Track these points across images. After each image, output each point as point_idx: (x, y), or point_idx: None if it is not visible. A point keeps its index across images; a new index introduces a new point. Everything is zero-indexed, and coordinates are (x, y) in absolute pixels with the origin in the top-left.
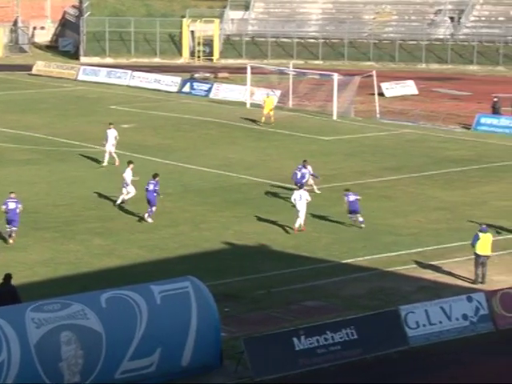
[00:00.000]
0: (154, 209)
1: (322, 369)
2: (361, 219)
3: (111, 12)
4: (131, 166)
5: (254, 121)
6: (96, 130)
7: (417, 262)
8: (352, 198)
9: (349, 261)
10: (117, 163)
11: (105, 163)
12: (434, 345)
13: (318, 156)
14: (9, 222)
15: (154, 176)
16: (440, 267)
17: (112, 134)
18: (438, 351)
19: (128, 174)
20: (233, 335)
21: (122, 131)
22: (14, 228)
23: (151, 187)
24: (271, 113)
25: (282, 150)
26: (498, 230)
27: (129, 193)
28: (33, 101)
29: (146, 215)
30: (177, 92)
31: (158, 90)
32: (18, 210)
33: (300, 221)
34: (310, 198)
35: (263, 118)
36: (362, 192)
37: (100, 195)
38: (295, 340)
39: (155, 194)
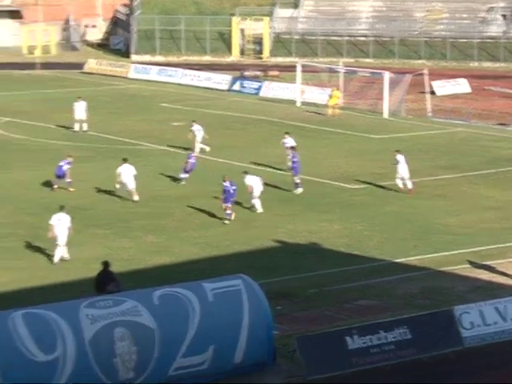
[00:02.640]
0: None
1: (375, 368)
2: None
3: (161, 10)
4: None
5: (318, 113)
6: (148, 128)
7: (471, 262)
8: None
9: (401, 260)
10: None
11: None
12: (488, 346)
13: (369, 154)
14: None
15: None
16: (494, 267)
17: (198, 129)
18: (492, 352)
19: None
20: (285, 333)
21: (172, 129)
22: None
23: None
24: (336, 106)
25: (333, 148)
26: None
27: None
28: (84, 99)
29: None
30: (227, 90)
31: (209, 88)
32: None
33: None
34: None
35: (330, 111)
36: (415, 190)
37: (152, 192)
38: (348, 339)
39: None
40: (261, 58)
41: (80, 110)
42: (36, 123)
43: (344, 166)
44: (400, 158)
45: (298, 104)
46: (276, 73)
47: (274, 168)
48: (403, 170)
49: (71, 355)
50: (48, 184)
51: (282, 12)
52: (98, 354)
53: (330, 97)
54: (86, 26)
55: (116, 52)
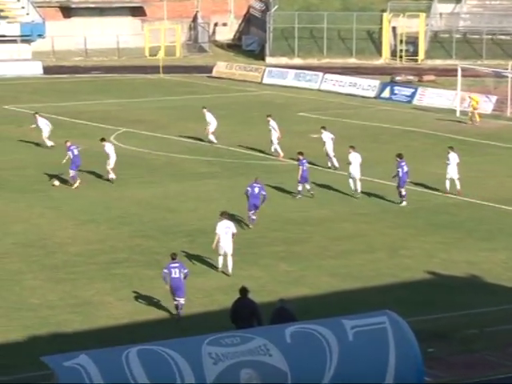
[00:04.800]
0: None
1: None
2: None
3: (301, 6)
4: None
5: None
6: (283, 140)
7: None
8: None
9: None
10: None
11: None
12: None
13: None
14: (174, 291)
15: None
16: None
17: (327, 136)
18: None
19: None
20: (439, 380)
21: (309, 141)
22: (181, 300)
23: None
24: (475, 112)
25: (500, 166)
26: None
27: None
28: (212, 106)
29: None
30: (375, 97)
31: (353, 95)
32: (182, 276)
33: None
34: None
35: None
36: None
37: (285, 214)
38: None
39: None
40: (415, 61)
41: (210, 118)
42: (157, 134)
43: (510, 187)
44: (452, 156)
45: (458, 114)
46: (432, 77)
47: (427, 187)
48: (452, 169)
49: None
50: (168, 205)
51: (442, 7)
52: None
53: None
54: (216, 25)
55: (248, 54)
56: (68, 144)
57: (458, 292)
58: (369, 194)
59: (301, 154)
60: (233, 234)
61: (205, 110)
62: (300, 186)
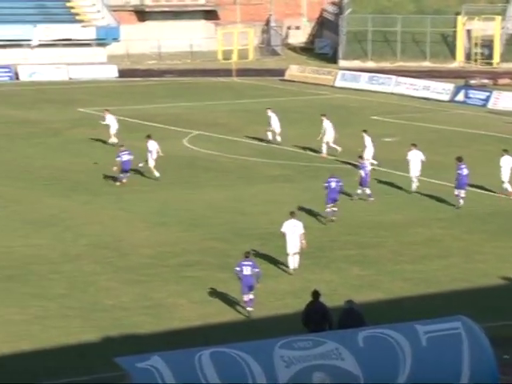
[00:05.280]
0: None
1: None
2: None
3: (375, 9)
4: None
5: None
6: (354, 143)
7: None
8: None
9: None
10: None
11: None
12: None
13: None
14: (245, 288)
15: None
16: None
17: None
18: None
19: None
20: None
21: (382, 145)
22: (251, 296)
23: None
24: None
25: None
26: None
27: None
28: (284, 110)
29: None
30: (449, 101)
31: (427, 99)
32: (254, 275)
33: None
34: None
35: None
36: None
37: (358, 218)
38: None
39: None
40: (490, 64)
41: (275, 120)
42: (230, 137)
43: None
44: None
45: None
46: (508, 81)
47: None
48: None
49: None
50: (241, 208)
51: None
52: None
53: None
54: (289, 28)
55: (321, 57)
56: (121, 149)
57: None
58: (443, 199)
59: (361, 157)
60: (301, 235)
61: (269, 111)
62: (360, 189)
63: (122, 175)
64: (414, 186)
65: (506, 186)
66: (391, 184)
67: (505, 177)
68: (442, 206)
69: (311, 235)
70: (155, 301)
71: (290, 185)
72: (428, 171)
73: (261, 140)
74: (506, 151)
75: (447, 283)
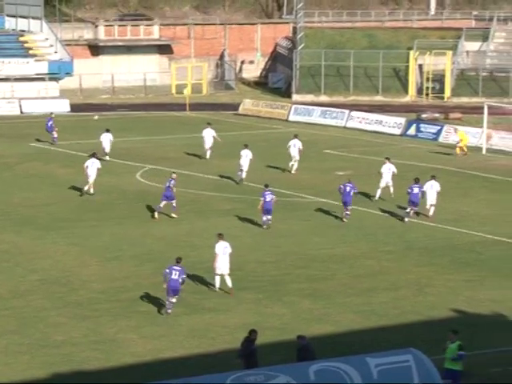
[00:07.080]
0: None
1: None
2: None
3: (328, 44)
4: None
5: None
6: (308, 177)
7: None
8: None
9: None
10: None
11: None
12: None
13: None
14: (170, 291)
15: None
16: None
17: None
18: None
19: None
20: None
21: (335, 179)
22: (173, 300)
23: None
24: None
25: None
26: None
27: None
28: (238, 144)
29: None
30: (400, 135)
31: (379, 133)
32: (180, 280)
33: None
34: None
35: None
36: None
37: (310, 251)
38: None
39: None
40: (441, 98)
41: (208, 137)
42: (182, 171)
43: None
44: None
45: (484, 151)
46: (458, 115)
47: (452, 225)
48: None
49: None
50: (192, 242)
51: (469, 45)
52: None
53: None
54: (243, 62)
55: (275, 91)
56: (173, 176)
57: (482, 330)
58: (392, 231)
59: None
60: (230, 254)
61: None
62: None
63: None
64: (379, 194)
65: (431, 209)
66: (340, 218)
67: (430, 200)
68: (391, 239)
69: (264, 269)
70: (106, 336)
71: (242, 218)
72: (378, 204)
73: (214, 174)
74: (433, 177)
75: (397, 316)
